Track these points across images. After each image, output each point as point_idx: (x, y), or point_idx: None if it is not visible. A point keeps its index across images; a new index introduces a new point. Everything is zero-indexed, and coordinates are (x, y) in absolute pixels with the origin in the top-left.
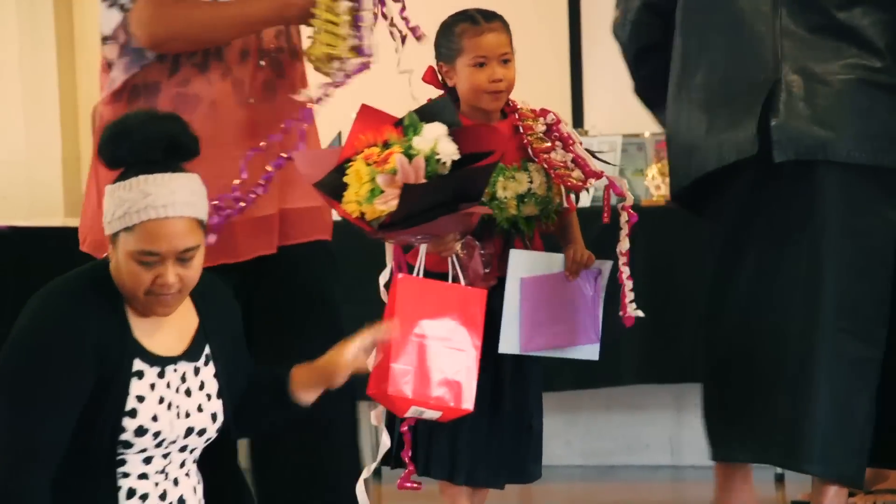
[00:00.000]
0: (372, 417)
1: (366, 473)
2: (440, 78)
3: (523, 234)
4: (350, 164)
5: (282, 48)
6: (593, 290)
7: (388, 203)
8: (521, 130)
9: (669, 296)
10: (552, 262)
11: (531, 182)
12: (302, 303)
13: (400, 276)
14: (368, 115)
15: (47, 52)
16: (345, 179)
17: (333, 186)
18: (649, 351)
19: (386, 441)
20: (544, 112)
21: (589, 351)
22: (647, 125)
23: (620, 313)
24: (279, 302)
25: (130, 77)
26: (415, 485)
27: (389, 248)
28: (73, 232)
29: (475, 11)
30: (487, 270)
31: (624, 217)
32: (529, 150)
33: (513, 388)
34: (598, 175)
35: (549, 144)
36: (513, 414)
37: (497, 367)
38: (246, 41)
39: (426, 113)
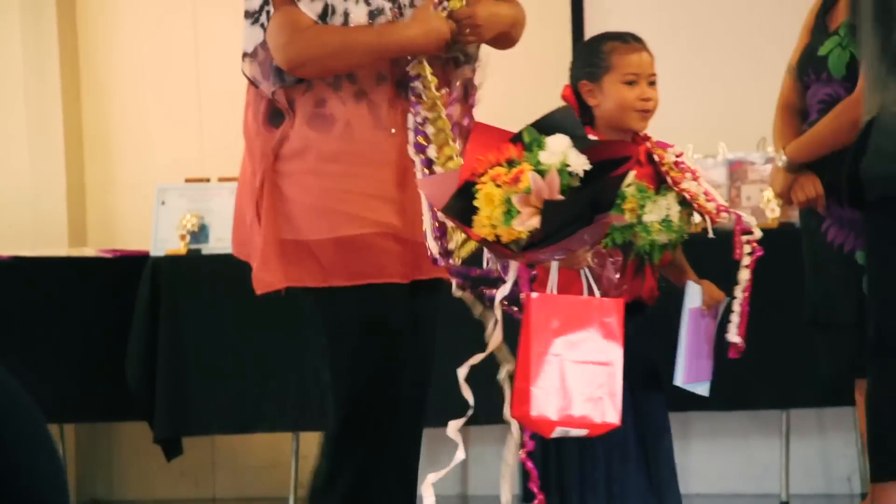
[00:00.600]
0: (449, 429)
1: (430, 478)
2: (577, 97)
3: (653, 262)
4: (477, 186)
5: (415, 77)
6: (714, 326)
7: (525, 223)
8: (657, 159)
9: (674, 322)
10: (696, 295)
11: (668, 210)
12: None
13: (533, 294)
14: (483, 133)
15: (51, 82)
16: (475, 203)
17: (462, 210)
18: None
19: (460, 455)
20: (668, 144)
21: (704, 387)
22: None
23: (730, 340)
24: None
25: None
26: None
27: (513, 267)
28: (77, 262)
29: (623, 32)
30: (619, 276)
31: (747, 249)
32: (668, 179)
33: (647, 414)
34: (728, 209)
35: (680, 175)
36: (653, 440)
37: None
38: (379, 65)
39: (545, 126)
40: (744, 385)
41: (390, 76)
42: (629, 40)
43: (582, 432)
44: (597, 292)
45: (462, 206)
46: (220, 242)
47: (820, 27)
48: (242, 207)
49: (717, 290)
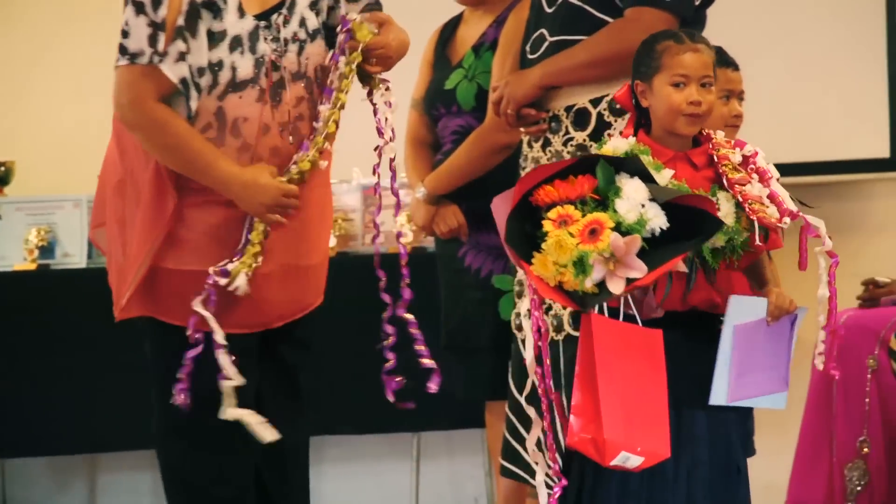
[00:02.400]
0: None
1: None
2: (634, 98)
3: (707, 267)
4: (544, 222)
5: (302, 116)
6: (788, 336)
7: (596, 280)
8: (717, 160)
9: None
10: (759, 306)
11: (718, 210)
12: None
13: (593, 315)
14: (537, 171)
15: None
16: (543, 246)
17: (523, 242)
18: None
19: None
20: (741, 143)
21: (779, 399)
22: None
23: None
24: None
25: None
26: None
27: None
28: None
29: (682, 31)
30: (657, 302)
31: (823, 262)
32: (724, 180)
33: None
34: (795, 215)
35: (743, 175)
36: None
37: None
38: (265, 116)
39: (615, 163)
40: (377, 408)
41: (274, 125)
42: (684, 40)
43: (638, 461)
44: (638, 319)
45: (522, 235)
46: None
47: (442, 61)
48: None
49: (785, 301)
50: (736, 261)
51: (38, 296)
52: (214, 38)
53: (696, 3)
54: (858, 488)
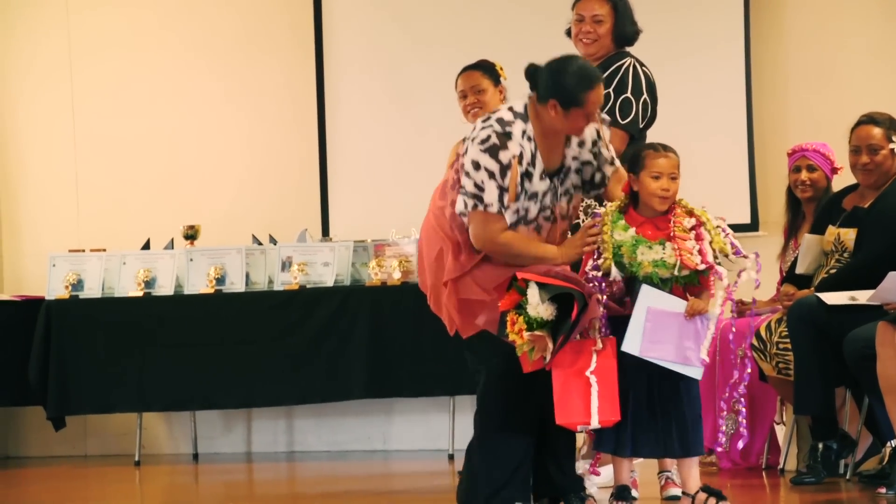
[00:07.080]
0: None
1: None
2: (631, 187)
3: (662, 289)
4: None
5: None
6: (702, 331)
7: (535, 355)
8: (673, 224)
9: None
10: (677, 304)
11: (664, 253)
12: None
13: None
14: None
15: None
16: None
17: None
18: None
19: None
20: (694, 215)
21: (694, 371)
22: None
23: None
24: None
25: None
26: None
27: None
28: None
29: (658, 144)
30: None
31: (721, 295)
32: (672, 236)
33: (664, 385)
34: (709, 264)
35: (686, 234)
36: (668, 403)
37: (649, 374)
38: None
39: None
40: (427, 380)
41: (558, 218)
42: (659, 149)
43: (596, 425)
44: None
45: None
46: (91, 291)
47: None
48: (431, 272)
49: (699, 306)
50: (680, 286)
51: (213, 305)
52: (524, 194)
53: (640, 125)
54: (732, 431)
